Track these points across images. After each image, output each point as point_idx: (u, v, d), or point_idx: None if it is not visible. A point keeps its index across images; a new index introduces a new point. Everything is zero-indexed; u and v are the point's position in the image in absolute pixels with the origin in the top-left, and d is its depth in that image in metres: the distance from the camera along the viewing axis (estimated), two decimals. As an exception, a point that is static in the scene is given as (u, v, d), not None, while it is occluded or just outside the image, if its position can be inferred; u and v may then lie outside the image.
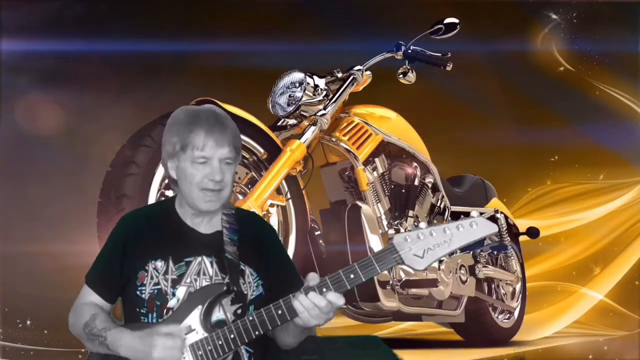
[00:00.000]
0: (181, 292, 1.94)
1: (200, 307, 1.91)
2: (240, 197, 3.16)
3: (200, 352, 1.88)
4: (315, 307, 1.80)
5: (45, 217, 4.32)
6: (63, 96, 4.57)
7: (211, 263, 1.97)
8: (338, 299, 1.81)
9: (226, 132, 1.98)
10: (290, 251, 3.20)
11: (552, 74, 5.60)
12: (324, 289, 1.82)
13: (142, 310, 1.96)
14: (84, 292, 2.04)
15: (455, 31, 3.56)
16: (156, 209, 2.28)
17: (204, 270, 1.96)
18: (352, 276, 1.82)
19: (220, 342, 1.88)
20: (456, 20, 3.56)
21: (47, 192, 4.37)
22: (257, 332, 1.87)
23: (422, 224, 1.78)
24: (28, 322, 4.28)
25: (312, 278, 1.84)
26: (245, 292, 1.97)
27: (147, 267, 1.96)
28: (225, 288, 1.93)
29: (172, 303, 1.94)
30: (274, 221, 3.22)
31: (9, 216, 4.37)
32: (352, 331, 3.77)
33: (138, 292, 1.96)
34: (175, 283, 1.95)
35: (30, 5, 4.73)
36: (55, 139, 4.53)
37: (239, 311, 1.95)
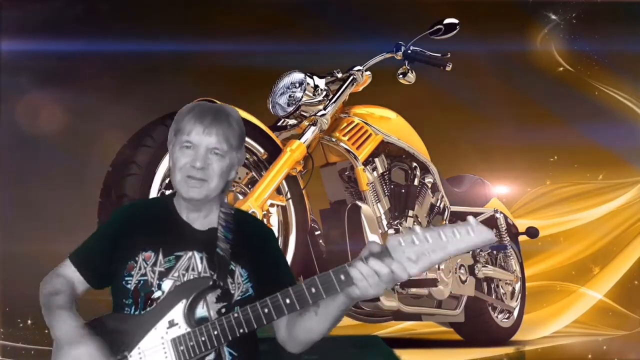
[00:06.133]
0: (167, 285, 1.90)
1: (184, 300, 1.87)
2: (241, 197, 3.15)
3: (182, 348, 1.84)
4: (375, 274, 1.69)
5: (45, 217, 4.33)
6: (63, 96, 4.57)
7: (201, 259, 1.93)
8: (402, 272, 1.68)
9: (220, 123, 1.95)
10: (290, 251, 3.20)
11: (551, 74, 5.59)
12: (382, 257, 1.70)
13: (127, 301, 1.92)
14: (65, 264, 2.02)
15: (454, 32, 3.56)
16: (154, 201, 2.31)
17: (193, 265, 1.93)
18: (342, 277, 1.73)
19: (203, 339, 1.83)
20: (455, 21, 3.56)
21: (47, 192, 4.37)
22: (241, 330, 1.81)
23: (417, 228, 1.70)
24: (29, 321, 4.29)
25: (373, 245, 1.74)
26: (232, 292, 1.92)
27: (137, 258, 1.93)
28: (211, 283, 1.88)
29: (157, 295, 1.90)
30: (274, 221, 3.22)
31: (9, 216, 4.38)
32: (352, 331, 3.76)
33: (124, 282, 1.92)
34: (162, 276, 1.91)
35: (30, 5, 4.73)
36: (55, 139, 4.54)
37: (223, 310, 1.90)
